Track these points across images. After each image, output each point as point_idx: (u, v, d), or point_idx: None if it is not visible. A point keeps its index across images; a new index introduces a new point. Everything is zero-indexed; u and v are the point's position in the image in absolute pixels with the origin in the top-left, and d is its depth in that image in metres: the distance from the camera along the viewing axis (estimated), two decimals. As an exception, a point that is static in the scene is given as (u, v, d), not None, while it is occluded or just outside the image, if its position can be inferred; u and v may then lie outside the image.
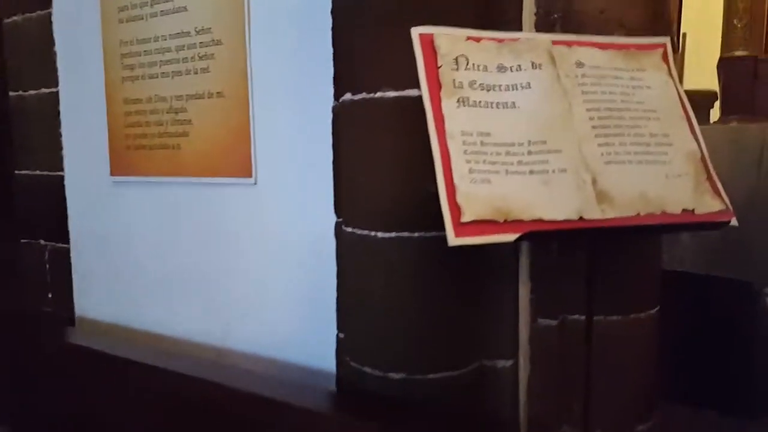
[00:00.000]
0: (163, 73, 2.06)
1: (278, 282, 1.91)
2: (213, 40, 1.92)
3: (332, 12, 1.51)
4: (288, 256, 1.87)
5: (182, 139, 2.05)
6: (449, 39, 1.03)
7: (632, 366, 1.56)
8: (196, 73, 1.97)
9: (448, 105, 1.00)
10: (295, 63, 1.78)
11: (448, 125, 0.98)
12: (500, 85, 1.04)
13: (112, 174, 2.27)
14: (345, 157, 1.50)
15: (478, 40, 1.06)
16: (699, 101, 2.76)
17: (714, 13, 4.39)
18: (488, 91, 1.03)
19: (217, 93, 1.93)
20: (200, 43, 1.94)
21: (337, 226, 1.57)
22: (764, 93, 4.18)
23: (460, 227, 0.92)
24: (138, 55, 2.13)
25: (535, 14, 1.39)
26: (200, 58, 1.95)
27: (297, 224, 1.85)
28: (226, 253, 2.01)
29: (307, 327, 1.88)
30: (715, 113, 4.06)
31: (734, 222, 1.05)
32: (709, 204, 1.04)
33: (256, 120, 1.86)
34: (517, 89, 1.04)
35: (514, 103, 1.03)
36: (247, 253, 1.96)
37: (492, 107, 1.02)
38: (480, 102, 1.01)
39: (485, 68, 1.04)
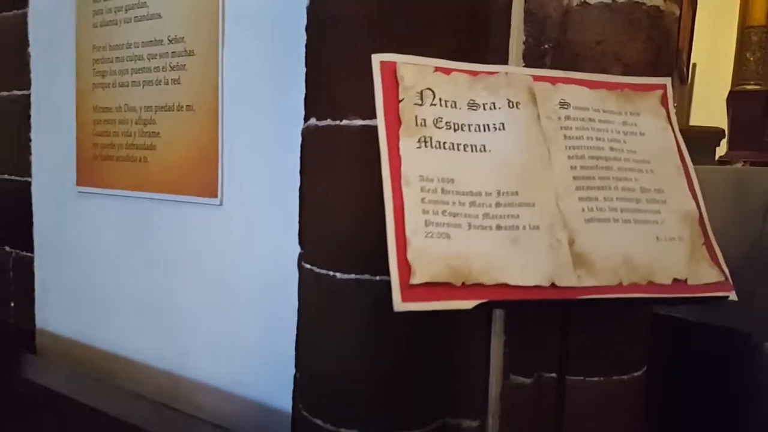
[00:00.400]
0: (134, 81, 1.95)
1: (238, 312, 1.78)
2: (185, 50, 1.80)
3: (306, 28, 1.38)
4: (250, 286, 1.75)
5: (149, 153, 1.93)
6: (414, 69, 0.90)
7: (614, 430, 1.41)
8: (166, 83, 1.85)
9: (407, 145, 0.86)
10: (269, 79, 1.66)
11: (405, 168, 0.85)
12: (470, 125, 0.90)
13: (77, 184, 2.15)
14: (308, 187, 1.37)
15: (448, 72, 0.92)
16: (705, 138, 2.63)
17: (726, 44, 4.28)
18: (456, 130, 0.89)
19: (187, 106, 1.81)
20: (172, 52, 1.83)
21: (299, 259, 1.44)
22: (774, 130, 4.05)
23: (409, 290, 0.78)
24: (110, 61, 2.02)
25: (524, 43, 1.27)
26: (171, 68, 1.83)
27: (261, 251, 1.72)
28: (186, 277, 1.89)
29: (267, 362, 1.75)
30: (721, 149, 3.92)
31: (733, 296, 0.90)
32: (705, 274, 0.90)
33: (225, 137, 1.74)
34: (489, 130, 0.90)
35: (484, 146, 0.89)
36: (208, 279, 1.83)
37: (458, 149, 0.88)
38: (445, 143, 0.88)
39: (454, 104, 0.91)
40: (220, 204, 1.77)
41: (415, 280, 0.78)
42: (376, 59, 0.89)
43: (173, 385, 1.95)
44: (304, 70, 1.39)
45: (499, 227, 0.85)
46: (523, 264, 0.83)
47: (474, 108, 0.91)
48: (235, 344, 1.80)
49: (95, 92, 2.07)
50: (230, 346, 1.81)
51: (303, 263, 1.37)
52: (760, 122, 4.09)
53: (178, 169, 1.85)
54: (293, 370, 1.52)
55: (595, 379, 1.34)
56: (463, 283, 0.80)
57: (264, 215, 1.71)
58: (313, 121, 1.30)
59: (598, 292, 0.84)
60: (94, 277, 2.15)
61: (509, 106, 0.92)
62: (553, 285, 0.83)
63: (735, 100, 4.12)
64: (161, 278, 1.96)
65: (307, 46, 1.38)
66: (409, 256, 0.79)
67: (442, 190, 0.85)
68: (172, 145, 1.86)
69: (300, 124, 1.44)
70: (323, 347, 1.32)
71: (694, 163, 1.13)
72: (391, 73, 0.89)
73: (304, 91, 1.39)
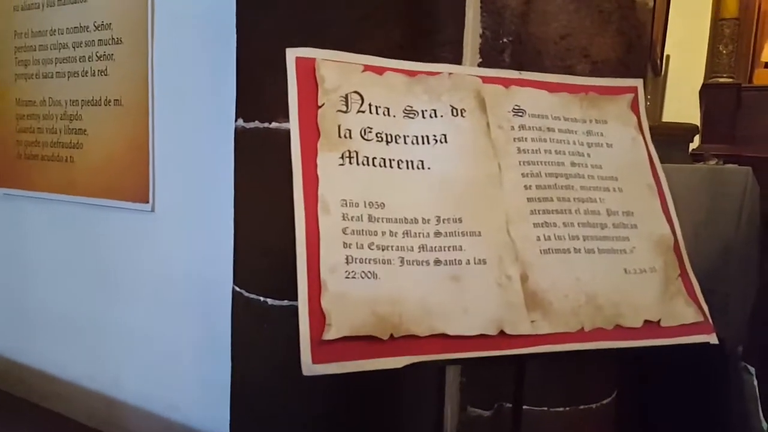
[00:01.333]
0: (59, 72, 1.76)
1: (174, 331, 1.62)
2: (113, 38, 1.62)
3: (237, 14, 1.21)
4: (187, 302, 1.59)
5: (76, 152, 1.74)
6: (338, 68, 0.74)
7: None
8: (93, 75, 1.67)
9: (326, 161, 0.70)
10: (205, 72, 1.49)
11: (323, 190, 0.69)
12: (406, 136, 0.75)
13: (1, 186, 1.95)
14: (239, 197, 1.21)
15: (380, 71, 0.76)
16: (679, 135, 2.53)
17: (700, 36, 4.23)
18: (388, 143, 0.74)
19: (115, 100, 1.63)
20: (99, 40, 1.64)
21: (233, 279, 1.27)
22: (746, 123, 4.01)
23: (323, 347, 0.63)
24: (33, 49, 1.82)
25: (481, 36, 1.12)
26: (98, 57, 1.65)
27: (198, 264, 1.56)
28: (118, 291, 1.72)
29: (204, 385, 1.59)
30: (695, 143, 3.87)
31: (713, 339, 0.77)
32: (681, 313, 0.76)
33: (157, 135, 1.57)
34: (428, 143, 0.75)
35: (422, 162, 0.74)
36: (142, 293, 1.67)
37: (391, 167, 0.73)
38: (374, 159, 0.72)
39: (387, 112, 0.75)
40: (152, 210, 1.61)
41: (331, 334, 0.63)
42: (291, 54, 0.73)
43: (106, 408, 1.79)
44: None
45: (437, 262, 0.70)
46: (466, 307, 0.68)
47: (411, 116, 0.76)
48: (170, 365, 1.64)
49: (18, 84, 1.87)
50: (165, 368, 1.65)
51: (234, 285, 1.21)
52: (732, 115, 4.05)
53: (106, 171, 1.68)
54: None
55: (560, 409, 1.21)
56: (391, 336, 0.65)
57: (201, 223, 1.54)
58: (240, 122, 1.14)
59: (556, 341, 0.70)
60: (23, 289, 1.97)
61: (453, 113, 0.77)
62: (501, 333, 0.68)
63: (708, 93, 4.07)
64: (92, 291, 1.78)
65: (237, 41, 1.22)
66: (324, 303, 0.64)
67: (370, 218, 0.69)
68: (99, 144, 1.69)
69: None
70: (254, 378, 1.17)
71: (669, 160, 1.00)
72: (309, 71, 0.73)
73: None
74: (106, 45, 1.64)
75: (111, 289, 1.73)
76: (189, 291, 1.59)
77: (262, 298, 1.12)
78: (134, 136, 1.61)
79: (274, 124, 1.07)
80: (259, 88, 1.11)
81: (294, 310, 1.09)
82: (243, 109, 1.15)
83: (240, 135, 1.17)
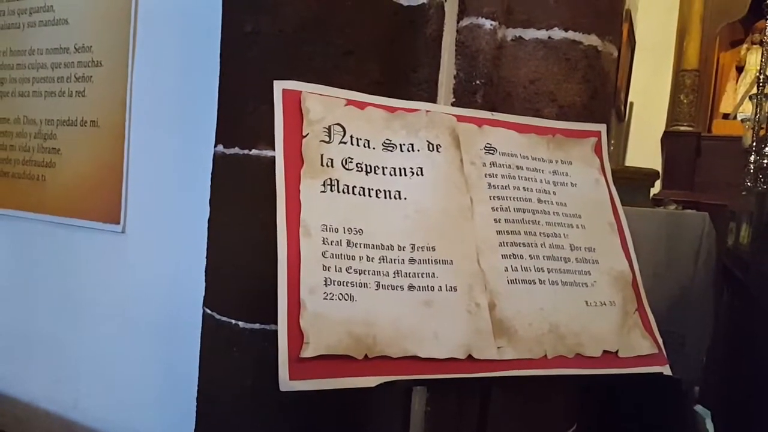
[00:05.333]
0: (35, 92, 1.76)
1: (139, 354, 1.59)
2: (93, 61, 1.63)
3: (221, 43, 1.24)
4: (153, 325, 1.57)
5: (48, 171, 1.73)
6: (323, 101, 0.78)
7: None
8: (70, 95, 1.67)
9: (309, 188, 0.74)
10: (183, 97, 1.51)
11: (306, 215, 0.72)
12: (384, 168, 0.79)
13: (-33, 202, 1.91)
14: (215, 221, 1.23)
15: (362, 106, 0.81)
16: (640, 179, 2.65)
17: (662, 85, 4.44)
18: (367, 173, 0.78)
19: (91, 122, 1.64)
20: (78, 62, 1.65)
21: (203, 302, 1.27)
22: (705, 170, 4.21)
23: (300, 365, 0.65)
24: (10, 68, 1.82)
25: (455, 77, 1.18)
26: (77, 79, 1.66)
27: (166, 288, 1.55)
28: (82, 313, 1.69)
29: (166, 411, 1.56)
30: (656, 188, 4.03)
31: (667, 371, 0.82)
32: (638, 345, 0.81)
33: (132, 158, 1.58)
34: (405, 174, 0.79)
35: (399, 192, 0.78)
36: (106, 316, 1.64)
37: (369, 195, 0.76)
38: (354, 188, 0.76)
39: (367, 144, 0.79)
40: (123, 231, 1.60)
41: (308, 352, 0.65)
42: (278, 87, 0.77)
43: (65, 430, 1.73)
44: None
45: (411, 287, 0.73)
46: (437, 332, 0.72)
47: (390, 149, 0.80)
48: (133, 389, 1.61)
49: (-8, 101, 1.86)
50: (128, 391, 1.62)
51: (204, 307, 1.21)
52: (691, 162, 4.25)
53: (78, 191, 1.67)
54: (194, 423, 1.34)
55: (523, 440, 1.23)
56: (365, 356, 0.67)
57: (171, 246, 1.54)
58: (220, 148, 1.17)
59: (520, 366, 0.73)
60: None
61: (429, 148, 0.81)
62: (470, 357, 0.72)
63: (669, 140, 4.27)
64: (56, 311, 1.75)
65: (221, 62, 1.25)
66: (303, 322, 0.67)
67: (348, 243, 0.73)
68: (73, 164, 1.68)
69: (212, 149, 1.29)
70: (223, 404, 1.17)
71: (631, 203, 1.06)
72: (295, 103, 0.77)
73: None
74: (85, 67, 1.66)
75: (76, 309, 1.70)
76: (156, 314, 1.58)
77: (233, 321, 1.13)
78: (108, 158, 1.62)
79: (254, 151, 1.10)
80: (240, 116, 1.14)
81: (265, 333, 1.11)
82: (223, 136, 1.18)
83: (219, 160, 1.19)
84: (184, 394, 1.39)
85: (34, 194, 1.75)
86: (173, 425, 1.51)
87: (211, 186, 1.29)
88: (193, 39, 1.49)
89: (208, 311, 1.19)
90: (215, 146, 1.21)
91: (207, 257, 1.30)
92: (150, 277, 1.58)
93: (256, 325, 1.11)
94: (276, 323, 1.09)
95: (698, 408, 2.39)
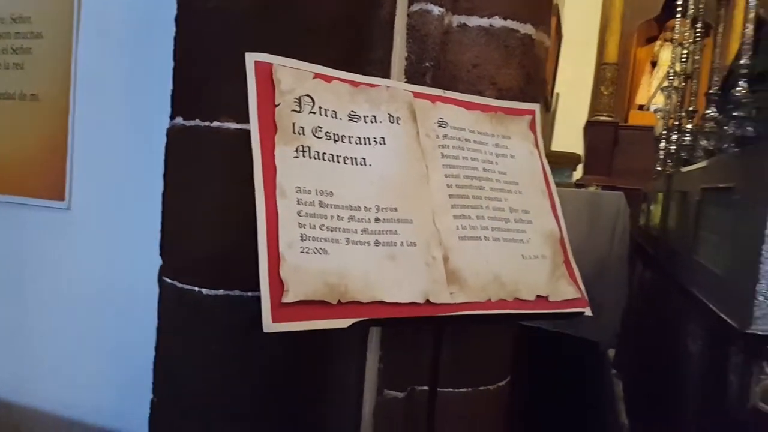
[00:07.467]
0: (-30, 63, 1.69)
1: (88, 333, 1.60)
2: (32, 32, 1.60)
3: (176, 19, 1.27)
4: (102, 304, 1.57)
5: (-14, 146, 1.67)
6: (293, 73, 0.86)
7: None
8: (7, 68, 1.64)
9: (283, 153, 0.81)
10: (134, 70, 1.52)
11: (281, 178, 0.80)
12: (351, 137, 0.88)
13: None
14: (172, 193, 1.26)
15: (328, 79, 0.89)
16: (565, 162, 2.87)
17: (586, 78, 4.72)
18: (335, 141, 0.86)
19: (31, 95, 1.61)
20: (16, 33, 1.62)
21: (160, 272, 1.31)
22: (621, 158, 4.55)
23: (281, 309, 0.73)
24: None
25: (406, 59, 1.28)
26: (14, 50, 1.62)
27: (117, 264, 1.56)
28: (29, 292, 1.66)
29: (121, 386, 1.58)
30: (578, 173, 4.32)
31: (588, 312, 0.97)
32: (564, 291, 0.95)
33: (77, 132, 1.57)
34: (369, 144, 0.89)
35: (364, 159, 0.87)
36: (55, 294, 1.62)
37: (338, 161, 0.85)
38: (324, 154, 0.84)
39: (334, 114, 0.87)
40: (68, 208, 1.59)
41: (288, 298, 0.73)
42: (251, 58, 0.83)
43: (16, 414, 1.70)
44: (172, 63, 1.28)
45: (377, 243, 0.83)
46: (400, 281, 0.82)
47: (355, 120, 0.89)
48: (84, 368, 1.61)
49: None
50: (79, 370, 1.62)
51: (164, 277, 1.25)
52: (610, 150, 4.58)
53: (18, 167, 1.64)
54: (150, 395, 1.38)
55: (464, 390, 1.37)
56: (339, 301, 0.76)
57: (120, 222, 1.55)
58: (179, 120, 1.21)
59: (469, 308, 0.85)
60: None
61: (390, 120, 0.91)
62: (427, 301, 0.82)
63: (590, 129, 4.58)
64: (1, 291, 1.70)
65: (176, 38, 1.28)
66: (282, 272, 0.74)
67: (320, 204, 0.81)
68: (11, 139, 1.65)
69: (164, 122, 1.32)
70: (186, 370, 1.22)
71: (556, 184, 1.21)
72: (267, 75, 0.84)
73: (170, 86, 1.28)
74: (23, 38, 1.62)
75: (22, 288, 1.67)
76: (105, 290, 1.58)
77: (196, 289, 1.18)
78: (51, 132, 1.59)
79: (215, 123, 1.15)
80: (201, 90, 1.19)
81: (229, 299, 1.17)
82: (183, 108, 1.21)
83: (178, 133, 1.22)
84: (139, 367, 1.42)
85: (-30, 170, 1.70)
86: (128, 401, 1.53)
87: (166, 158, 1.32)
88: (143, 11, 1.50)
89: (169, 280, 1.23)
90: (173, 119, 1.25)
91: (163, 229, 1.34)
92: (98, 253, 1.59)
93: (220, 292, 1.16)
94: (240, 289, 1.17)
95: (614, 373, 2.66)
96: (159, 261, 1.35)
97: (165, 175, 1.31)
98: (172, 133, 1.25)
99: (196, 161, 1.19)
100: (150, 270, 1.37)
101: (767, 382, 0.79)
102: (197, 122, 1.17)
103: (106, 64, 1.54)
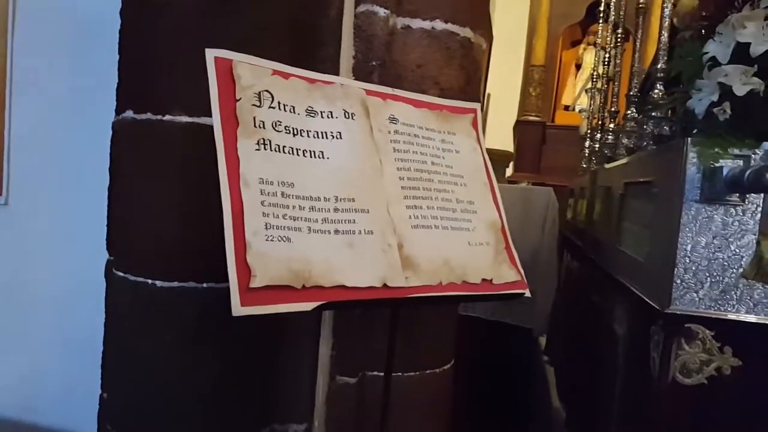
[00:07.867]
0: None
1: (28, 330, 1.54)
2: (-37, 22, 1.52)
3: (121, 13, 1.27)
4: (43, 301, 1.53)
5: None
6: (252, 69, 0.89)
7: (428, 419, 1.53)
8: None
9: (245, 146, 0.85)
10: (76, 59, 1.49)
11: (244, 170, 0.83)
12: (309, 131, 0.92)
13: None
14: (121, 186, 1.26)
15: (286, 76, 0.93)
16: (498, 160, 3.02)
17: (515, 79, 4.94)
18: (294, 135, 0.90)
19: (-36, 87, 1.53)
20: (-55, 22, 1.53)
21: (108, 266, 1.30)
22: (549, 156, 4.80)
23: (249, 294, 0.77)
24: None
25: (354, 58, 1.33)
26: (-57, 41, 1.53)
27: (59, 259, 1.52)
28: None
29: (67, 384, 1.54)
30: (510, 170, 4.52)
31: (528, 293, 1.06)
32: (506, 274, 1.04)
33: (14, 124, 1.52)
34: (327, 138, 0.93)
35: (323, 152, 0.92)
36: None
37: (298, 154, 0.89)
38: (284, 147, 0.88)
39: (293, 110, 0.92)
40: (5, 203, 1.53)
41: (255, 283, 0.77)
42: (211, 54, 0.86)
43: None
44: (116, 57, 1.27)
45: (337, 231, 0.88)
46: (359, 266, 0.87)
47: (312, 115, 0.94)
48: (26, 367, 1.55)
49: None
50: (21, 369, 1.56)
51: (114, 271, 1.24)
52: (538, 148, 4.82)
53: (-51, 161, 1.55)
54: (98, 391, 1.37)
55: (412, 373, 1.44)
56: (303, 286, 0.81)
57: (63, 217, 1.52)
58: (129, 113, 1.20)
59: (423, 290, 0.92)
60: None
61: (345, 116, 0.96)
62: (384, 285, 0.88)
63: (519, 128, 4.80)
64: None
65: (122, 32, 1.27)
66: (249, 259, 0.78)
67: (282, 194, 0.85)
68: (-60, 132, 1.55)
69: (105, 116, 1.31)
70: (138, 363, 1.21)
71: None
72: (226, 70, 0.87)
73: (111, 79, 1.27)
74: (-47, 29, 1.54)
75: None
76: (45, 287, 1.54)
77: (149, 281, 1.18)
78: (-14, 125, 1.53)
79: (167, 117, 1.16)
80: (152, 84, 1.19)
81: (183, 291, 1.19)
82: (132, 101, 1.21)
83: (128, 126, 1.22)
84: (85, 364, 1.40)
85: None
86: (73, 399, 1.50)
87: (112, 152, 1.31)
88: (83, 4, 1.47)
89: (120, 274, 1.23)
90: (122, 112, 1.24)
91: (111, 222, 1.33)
92: (37, 248, 1.54)
93: (174, 284, 1.17)
94: (194, 281, 1.18)
95: (545, 359, 2.83)
96: (102, 255, 1.33)
97: (111, 168, 1.30)
98: (120, 127, 1.24)
99: (147, 155, 1.19)
100: (93, 264, 1.36)
101: (685, 357, 0.91)
102: (149, 115, 1.17)
103: (44, 57, 1.49)
